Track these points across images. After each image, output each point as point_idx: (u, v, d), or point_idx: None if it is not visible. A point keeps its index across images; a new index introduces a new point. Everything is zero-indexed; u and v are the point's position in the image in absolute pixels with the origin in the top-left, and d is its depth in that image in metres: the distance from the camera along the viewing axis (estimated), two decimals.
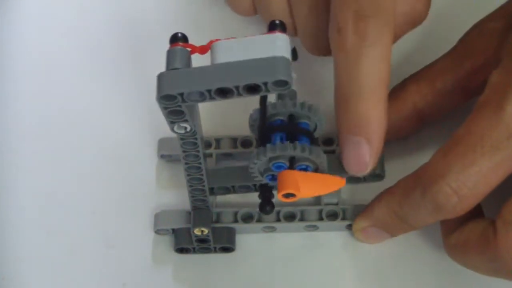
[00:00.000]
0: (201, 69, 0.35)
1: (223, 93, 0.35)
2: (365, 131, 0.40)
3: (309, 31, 0.45)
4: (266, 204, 0.42)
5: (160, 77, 0.35)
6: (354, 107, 0.40)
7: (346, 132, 0.41)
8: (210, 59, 0.36)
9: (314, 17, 0.44)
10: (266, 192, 0.43)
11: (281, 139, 0.40)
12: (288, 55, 0.35)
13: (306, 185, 0.40)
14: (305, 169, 0.41)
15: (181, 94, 0.35)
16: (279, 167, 0.41)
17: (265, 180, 0.42)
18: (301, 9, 0.44)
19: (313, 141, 0.41)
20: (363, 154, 0.41)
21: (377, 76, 0.40)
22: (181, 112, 0.36)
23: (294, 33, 0.46)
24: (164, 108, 0.36)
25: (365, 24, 0.40)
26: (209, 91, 0.35)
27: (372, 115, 0.40)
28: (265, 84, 0.34)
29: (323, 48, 0.44)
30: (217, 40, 0.36)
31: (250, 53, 0.35)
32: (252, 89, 0.35)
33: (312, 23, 0.44)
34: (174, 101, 0.35)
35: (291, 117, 0.41)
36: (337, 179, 0.40)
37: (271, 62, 0.34)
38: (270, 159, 0.40)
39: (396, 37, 0.42)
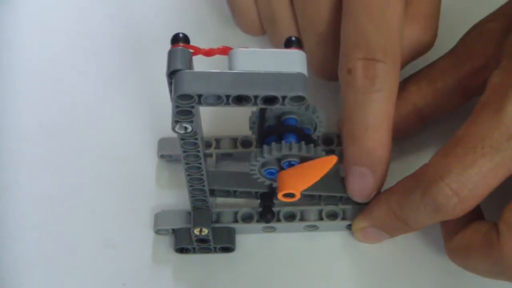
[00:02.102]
0: (220, 73, 0.35)
1: (240, 100, 0.35)
2: (370, 162, 0.42)
3: (317, 58, 0.46)
4: (267, 213, 0.44)
5: (179, 76, 0.35)
6: (361, 142, 0.42)
7: (352, 163, 0.43)
8: (227, 65, 0.36)
9: (323, 47, 0.45)
10: (267, 201, 0.43)
11: (275, 142, 0.41)
12: (305, 71, 0.36)
13: (304, 178, 0.40)
14: (292, 164, 0.41)
15: (199, 96, 0.35)
16: (271, 174, 0.41)
17: (266, 180, 0.42)
18: (310, 37, 0.45)
19: (300, 135, 0.41)
20: (367, 183, 0.43)
21: (383, 116, 0.42)
22: (190, 113, 0.37)
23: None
24: (176, 107, 0.36)
25: (374, 69, 0.41)
26: (227, 96, 0.35)
27: (377, 149, 0.42)
28: (284, 98, 0.35)
29: (330, 75, 0.46)
30: (229, 47, 0.36)
31: (269, 66, 0.36)
32: (269, 100, 0.36)
33: (321, 52, 0.46)
34: (189, 101, 0.35)
35: (278, 117, 0.42)
36: (327, 159, 0.40)
37: (293, 77, 0.35)
38: (262, 166, 0.41)
39: (402, 67, 0.43)
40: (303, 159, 0.41)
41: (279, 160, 0.41)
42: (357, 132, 0.42)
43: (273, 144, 0.40)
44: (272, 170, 0.41)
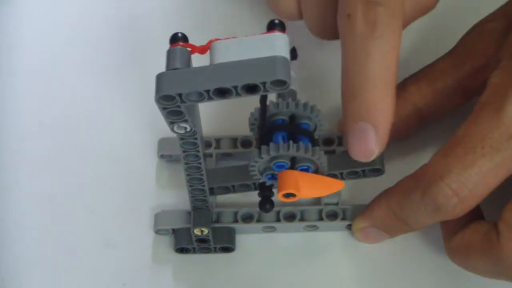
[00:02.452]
0: (200, 69, 0.35)
1: (222, 93, 0.35)
2: (372, 117, 0.40)
3: (316, 14, 0.44)
4: (266, 203, 0.42)
5: (159, 77, 0.35)
6: (362, 94, 0.40)
7: (353, 118, 0.40)
8: (209, 59, 0.35)
9: (321, 3, 0.43)
10: (265, 191, 0.43)
11: (283, 139, 0.40)
12: (287, 54, 0.35)
13: (306, 186, 0.40)
14: (306, 170, 0.41)
15: (180, 95, 0.35)
16: (281, 167, 0.41)
17: (264, 179, 0.42)
18: None
19: (313, 142, 0.41)
20: (369, 140, 0.40)
21: (385, 65, 0.40)
22: (180, 113, 0.36)
23: (299, 16, 0.45)
24: (163, 109, 0.36)
25: (374, 13, 0.39)
26: (207, 91, 0.35)
27: (380, 102, 0.40)
28: (264, 84, 0.34)
29: (330, 32, 0.43)
30: (216, 40, 0.36)
31: (249, 53, 0.35)
32: (251, 89, 0.35)
33: (319, 6, 0.43)
34: (173, 102, 0.35)
35: (292, 117, 0.41)
36: (336, 182, 0.40)
37: (270, 61, 0.34)
38: (272, 158, 0.40)
39: (405, 24, 0.42)
40: (316, 169, 0.41)
41: (292, 158, 0.40)
42: (357, 83, 0.40)
43: (291, 142, 0.39)
44: (283, 163, 0.40)
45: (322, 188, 0.40)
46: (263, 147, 0.40)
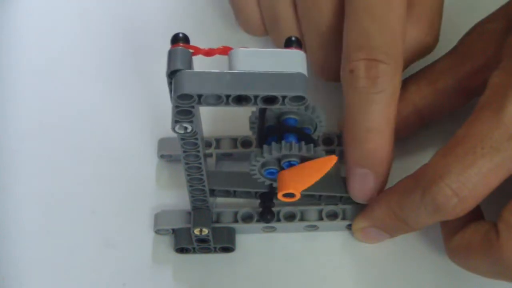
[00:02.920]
0: (221, 73, 0.35)
1: (240, 100, 0.35)
2: (372, 165, 0.43)
3: (319, 59, 0.46)
4: (267, 213, 0.44)
5: (180, 75, 0.35)
6: (362, 144, 0.42)
7: (354, 164, 0.43)
8: (227, 65, 0.36)
9: (325, 47, 0.45)
10: (266, 201, 0.43)
11: (275, 142, 0.41)
12: (305, 71, 0.36)
13: (304, 178, 0.40)
14: (292, 164, 0.41)
15: (200, 96, 0.35)
16: (271, 173, 0.41)
17: (266, 180, 0.42)
18: (312, 38, 0.45)
19: (300, 135, 0.41)
20: (369, 184, 0.43)
21: (386, 118, 0.42)
22: (190, 112, 0.37)
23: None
24: (176, 107, 0.36)
25: (376, 71, 0.41)
26: (227, 96, 0.35)
27: (380, 151, 0.42)
28: (284, 97, 0.35)
29: (331, 76, 0.46)
30: (229, 47, 0.36)
31: (269, 66, 0.35)
32: (269, 100, 0.35)
33: (322, 52, 0.46)
34: (189, 101, 0.35)
35: (278, 117, 0.42)
36: (328, 158, 0.40)
37: (293, 77, 0.35)
38: (262, 166, 0.41)
39: (404, 68, 0.43)
40: (303, 159, 0.41)
41: (279, 160, 0.41)
42: (358, 133, 0.42)
43: (273, 144, 0.40)
44: (272, 170, 0.41)
45: (318, 170, 0.40)
46: (252, 154, 0.41)
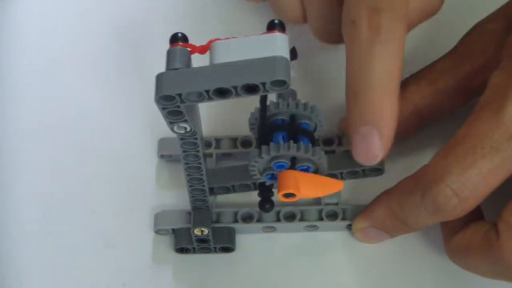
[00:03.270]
0: (200, 69, 0.35)
1: (222, 93, 0.35)
2: (376, 121, 0.40)
3: (320, 18, 0.44)
4: (266, 202, 0.42)
5: (159, 77, 0.35)
6: (366, 98, 0.40)
7: (357, 122, 0.41)
8: (209, 59, 0.36)
9: (326, 5, 0.44)
10: (265, 191, 0.43)
11: (283, 139, 0.40)
12: (286, 54, 0.35)
13: (306, 186, 0.40)
14: (306, 170, 0.41)
15: (179, 95, 0.35)
16: (281, 167, 0.41)
17: (264, 179, 0.42)
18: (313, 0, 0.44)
19: (313, 142, 0.41)
20: (373, 143, 0.41)
21: (389, 71, 0.40)
22: (180, 113, 0.36)
23: (303, 20, 0.46)
24: (162, 109, 0.36)
25: (379, 19, 0.40)
26: (207, 91, 0.35)
27: (383, 106, 0.40)
28: (264, 84, 0.34)
29: (334, 36, 0.44)
30: (216, 40, 0.36)
31: (249, 53, 0.35)
32: (251, 89, 0.35)
33: (324, 11, 0.44)
34: (172, 102, 0.35)
35: (293, 117, 0.41)
36: (336, 182, 0.40)
37: (270, 62, 0.34)
38: (272, 158, 0.40)
39: (409, 28, 0.42)
40: (316, 169, 0.41)
41: (293, 158, 0.40)
42: (361, 88, 0.40)
43: (291, 142, 0.39)
44: (283, 163, 0.41)
45: (322, 188, 0.40)
46: (264, 147, 0.40)
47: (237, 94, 0.35)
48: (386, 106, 0.40)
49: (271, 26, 0.36)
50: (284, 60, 0.35)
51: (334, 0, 0.43)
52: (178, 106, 0.36)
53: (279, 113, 0.41)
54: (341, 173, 0.44)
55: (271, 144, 0.40)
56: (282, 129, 0.41)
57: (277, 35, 0.36)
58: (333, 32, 0.44)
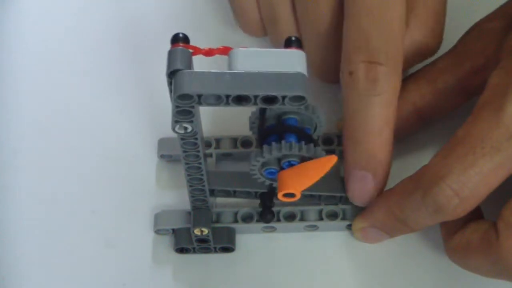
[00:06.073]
0: (220, 73, 0.35)
1: (240, 100, 0.35)
2: (371, 166, 0.43)
3: (317, 60, 0.46)
4: (267, 213, 0.44)
5: (180, 75, 0.35)
6: (362, 146, 0.42)
7: (353, 166, 0.43)
8: (227, 65, 0.36)
9: (323, 48, 0.45)
10: (266, 201, 0.43)
11: (275, 142, 0.41)
12: (305, 71, 0.36)
13: (304, 178, 0.40)
14: (292, 164, 0.41)
15: (199, 96, 0.35)
16: (271, 173, 0.41)
17: (266, 180, 0.42)
18: (311, 39, 0.46)
19: (300, 135, 0.41)
20: (368, 187, 0.43)
21: (384, 119, 0.42)
22: (190, 112, 0.37)
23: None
24: (176, 107, 0.36)
25: (375, 73, 0.41)
26: (227, 96, 0.35)
27: (378, 154, 0.42)
28: (284, 97, 0.35)
29: (330, 77, 0.46)
30: (229, 47, 0.36)
31: (269, 65, 0.36)
32: (269, 100, 0.36)
33: (321, 53, 0.46)
34: (189, 101, 0.35)
35: (279, 116, 0.42)
36: (328, 158, 0.40)
37: (293, 77, 0.35)
38: (263, 165, 0.41)
39: (405, 69, 0.43)
40: (303, 159, 0.41)
41: (279, 160, 0.41)
42: (358, 136, 0.42)
43: (273, 144, 0.40)
44: (272, 170, 0.41)
45: (318, 170, 0.40)
46: (252, 153, 0.41)
47: (255, 103, 0.36)
48: (382, 152, 0.42)
49: (289, 43, 0.37)
50: (305, 78, 0.36)
51: (332, 47, 0.45)
52: (192, 107, 0.36)
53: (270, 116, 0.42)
54: (340, 198, 0.45)
55: (252, 153, 0.41)
56: (272, 132, 0.41)
57: (297, 52, 0.36)
58: (329, 75, 0.46)
